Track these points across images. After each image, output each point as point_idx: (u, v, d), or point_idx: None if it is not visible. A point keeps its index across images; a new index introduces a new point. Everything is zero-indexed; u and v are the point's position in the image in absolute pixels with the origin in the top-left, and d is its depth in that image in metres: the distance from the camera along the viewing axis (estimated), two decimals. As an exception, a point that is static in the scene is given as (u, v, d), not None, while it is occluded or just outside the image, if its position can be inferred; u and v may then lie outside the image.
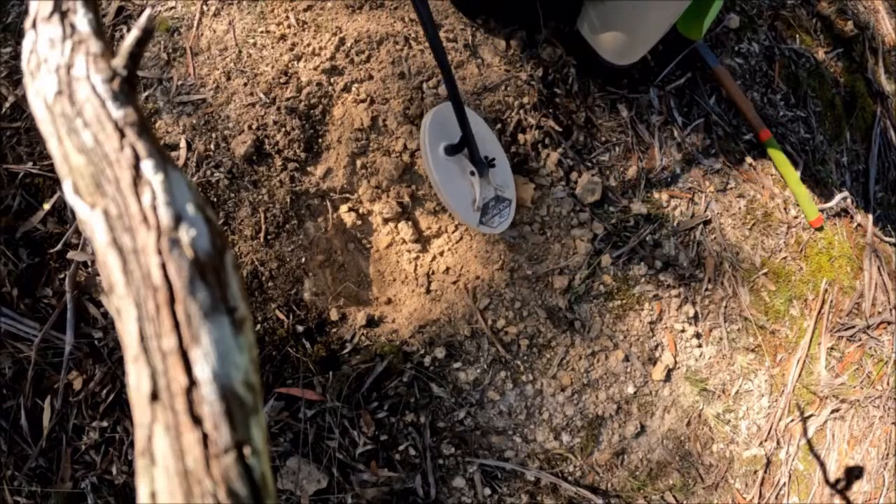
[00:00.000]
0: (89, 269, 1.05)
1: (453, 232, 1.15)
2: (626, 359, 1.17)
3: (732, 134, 1.37)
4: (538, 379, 1.13)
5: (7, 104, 1.09)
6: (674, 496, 1.16)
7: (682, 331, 1.21)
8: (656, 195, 1.27)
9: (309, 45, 1.14)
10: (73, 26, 0.41)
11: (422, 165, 1.12)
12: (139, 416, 0.31)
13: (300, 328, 1.07)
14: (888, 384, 1.31)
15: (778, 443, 1.24)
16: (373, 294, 1.14)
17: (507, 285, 1.14)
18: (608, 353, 1.17)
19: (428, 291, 1.13)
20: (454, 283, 1.13)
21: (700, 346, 1.22)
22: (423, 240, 1.15)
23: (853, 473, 1.25)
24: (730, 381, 1.23)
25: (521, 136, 1.19)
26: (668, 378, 1.19)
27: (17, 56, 1.11)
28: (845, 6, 1.59)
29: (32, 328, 1.01)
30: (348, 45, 1.14)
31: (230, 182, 1.08)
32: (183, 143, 1.08)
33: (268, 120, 1.09)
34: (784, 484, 1.22)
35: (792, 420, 1.25)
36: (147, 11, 0.45)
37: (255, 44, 1.14)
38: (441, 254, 1.14)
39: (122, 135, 0.37)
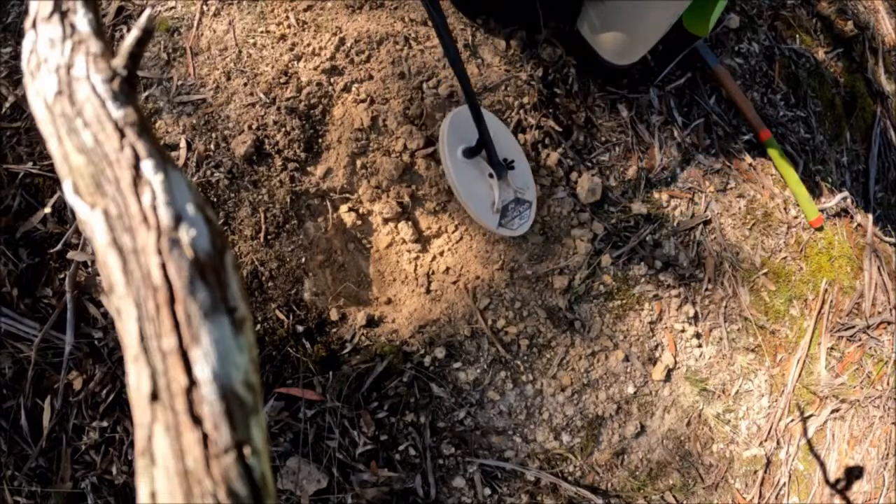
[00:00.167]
0: (89, 269, 1.05)
1: (453, 232, 1.15)
2: (626, 359, 1.17)
3: (732, 134, 1.37)
4: (538, 379, 1.13)
5: (7, 104, 1.09)
6: (674, 496, 1.16)
7: (682, 331, 1.21)
8: (656, 195, 1.27)
9: (309, 45, 1.14)
10: (73, 26, 0.41)
11: (421, 166, 1.12)
12: (139, 416, 0.31)
13: (300, 328, 1.07)
14: (888, 384, 1.31)
15: (778, 443, 1.24)
16: (373, 294, 1.14)
17: (507, 285, 1.14)
18: (608, 353, 1.17)
19: (428, 291, 1.13)
20: (454, 283, 1.13)
21: (700, 346, 1.22)
22: (423, 240, 1.15)
23: (853, 473, 1.25)
24: (730, 381, 1.23)
25: (521, 136, 1.19)
26: (668, 378, 1.19)
27: (17, 56, 1.11)
28: (845, 6, 1.59)
29: (32, 328, 1.01)
30: (348, 45, 1.14)
31: (230, 182, 1.08)
32: (183, 143, 1.08)
33: (268, 120, 1.09)
34: (784, 484, 1.22)
35: (792, 420, 1.25)
36: (147, 11, 0.45)
37: (255, 44, 1.14)
38: (441, 254, 1.14)
39: (122, 135, 0.37)
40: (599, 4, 1.14)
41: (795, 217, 1.35)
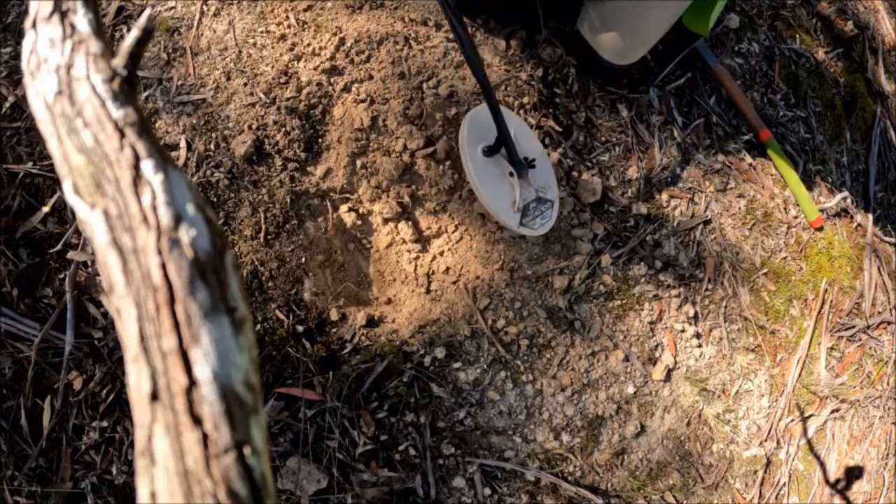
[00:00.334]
0: (89, 269, 1.05)
1: (453, 232, 1.15)
2: (626, 359, 1.17)
3: (732, 134, 1.37)
4: (538, 379, 1.13)
5: (7, 104, 1.09)
6: (674, 496, 1.16)
7: (682, 331, 1.21)
8: (656, 195, 1.27)
9: (309, 45, 1.14)
10: (73, 26, 0.41)
11: (421, 166, 1.12)
12: (139, 416, 0.31)
13: (300, 328, 1.07)
14: (888, 384, 1.31)
15: (778, 443, 1.24)
16: (373, 294, 1.14)
17: (507, 285, 1.14)
18: (608, 353, 1.17)
19: (428, 291, 1.13)
20: (454, 283, 1.13)
21: (700, 346, 1.22)
22: (423, 240, 1.15)
23: (853, 473, 1.25)
24: (730, 381, 1.23)
25: (521, 136, 1.19)
26: (668, 378, 1.19)
27: (17, 56, 1.11)
28: (845, 6, 1.59)
29: (32, 328, 1.01)
30: (348, 45, 1.14)
31: (230, 182, 1.08)
32: (183, 143, 1.08)
33: (268, 120, 1.09)
34: (784, 484, 1.22)
35: (792, 420, 1.25)
36: (147, 11, 0.45)
37: (255, 44, 1.14)
38: (441, 254, 1.14)
39: (122, 135, 0.37)
40: (599, 4, 1.14)
41: (795, 217, 1.35)
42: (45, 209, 1.05)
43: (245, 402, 0.31)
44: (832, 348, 1.30)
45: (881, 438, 1.28)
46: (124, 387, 1.02)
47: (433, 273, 1.14)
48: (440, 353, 1.10)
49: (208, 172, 1.07)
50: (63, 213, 1.06)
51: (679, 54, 1.35)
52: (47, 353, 1.02)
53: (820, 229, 1.35)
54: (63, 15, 0.41)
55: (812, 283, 1.32)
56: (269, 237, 1.08)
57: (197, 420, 0.30)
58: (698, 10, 1.11)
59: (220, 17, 1.16)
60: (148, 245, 0.33)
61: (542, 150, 1.15)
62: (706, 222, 1.28)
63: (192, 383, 0.31)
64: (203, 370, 0.31)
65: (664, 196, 1.27)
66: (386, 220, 1.13)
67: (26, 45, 0.42)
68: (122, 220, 0.35)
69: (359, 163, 1.12)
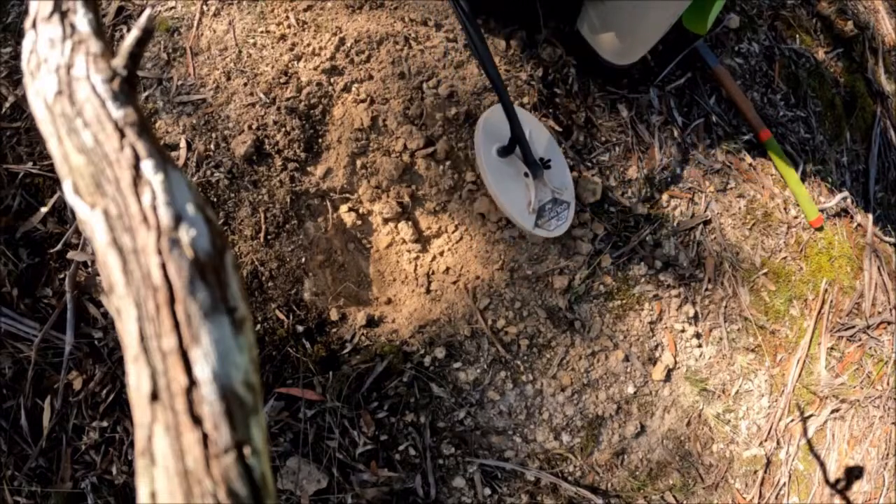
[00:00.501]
0: (89, 269, 1.05)
1: (453, 232, 1.15)
2: (626, 359, 1.17)
3: (732, 134, 1.37)
4: (538, 379, 1.13)
5: (7, 104, 1.09)
6: (674, 496, 1.16)
7: (682, 331, 1.21)
8: (656, 195, 1.27)
9: (309, 45, 1.14)
10: (73, 26, 0.41)
11: (421, 166, 1.12)
12: (139, 416, 0.31)
13: (300, 328, 1.07)
14: (888, 384, 1.31)
15: (778, 443, 1.24)
16: (373, 294, 1.14)
17: (507, 285, 1.14)
18: (608, 353, 1.17)
19: (428, 291, 1.13)
20: (454, 283, 1.13)
21: (700, 346, 1.22)
22: (423, 240, 1.15)
23: (853, 473, 1.25)
24: (730, 381, 1.23)
25: (521, 136, 1.19)
26: (668, 378, 1.19)
27: (17, 56, 1.11)
28: (845, 6, 1.59)
29: (32, 328, 1.01)
30: (348, 45, 1.14)
31: (230, 182, 1.08)
32: (183, 143, 1.08)
33: (268, 120, 1.09)
34: (784, 484, 1.22)
35: (792, 420, 1.25)
36: (147, 11, 0.45)
37: (255, 44, 1.14)
38: (441, 254, 1.14)
39: (122, 135, 0.37)
40: (599, 4, 1.14)
41: (795, 217, 1.35)
42: (46, 209, 1.05)
43: (245, 402, 0.31)
44: (832, 348, 1.30)
45: (881, 438, 1.28)
46: (124, 387, 1.02)
47: (433, 273, 1.14)
48: (440, 353, 1.10)
49: (208, 172, 1.07)
50: (63, 213, 1.06)
51: (679, 54, 1.35)
52: (47, 353, 1.02)
53: (820, 229, 1.35)
54: (63, 15, 0.41)
55: (812, 283, 1.32)
56: (269, 237, 1.08)
57: (197, 420, 0.30)
58: (697, 10, 1.11)
59: (220, 17, 1.16)
60: (148, 245, 0.33)
61: (559, 150, 1.14)
62: (706, 222, 1.28)
63: (192, 383, 0.31)
64: (203, 370, 0.31)
65: (664, 196, 1.27)
66: (386, 220, 1.13)
67: (26, 45, 0.42)
68: (122, 220, 0.35)
69: (359, 163, 1.12)
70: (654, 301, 1.20)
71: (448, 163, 1.14)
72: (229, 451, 0.30)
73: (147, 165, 0.36)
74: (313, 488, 1.03)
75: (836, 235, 1.37)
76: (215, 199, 1.07)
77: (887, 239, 1.44)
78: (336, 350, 1.09)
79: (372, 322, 1.11)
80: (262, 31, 1.15)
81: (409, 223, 1.13)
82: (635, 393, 1.17)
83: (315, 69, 1.12)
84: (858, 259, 1.38)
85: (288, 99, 1.10)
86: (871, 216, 1.44)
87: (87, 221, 0.36)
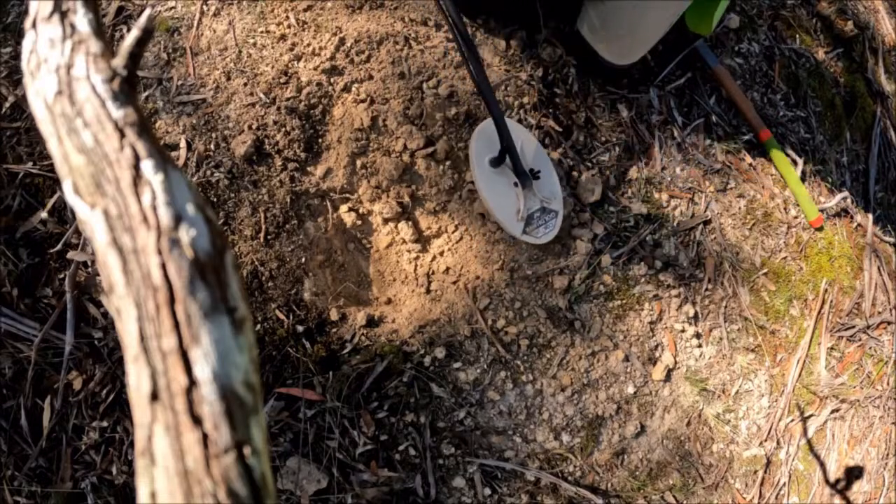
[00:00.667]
0: (89, 269, 1.05)
1: (453, 232, 1.15)
2: (626, 359, 1.17)
3: (732, 134, 1.37)
4: (538, 379, 1.13)
5: (7, 104, 1.09)
6: (674, 496, 1.16)
7: (682, 331, 1.21)
8: (656, 195, 1.27)
9: (309, 45, 1.14)
10: (73, 26, 0.41)
11: (421, 166, 1.12)
12: (139, 416, 0.31)
13: (300, 328, 1.07)
14: (888, 384, 1.31)
15: (778, 443, 1.24)
16: (373, 294, 1.14)
17: (507, 285, 1.14)
18: (608, 353, 1.17)
19: (428, 291, 1.13)
20: (454, 283, 1.13)
21: (700, 346, 1.22)
22: (423, 240, 1.15)
23: (853, 473, 1.25)
24: (730, 381, 1.23)
25: (521, 136, 1.19)
26: (668, 378, 1.19)
27: (17, 56, 1.11)
28: (845, 6, 1.59)
29: (32, 328, 1.01)
30: (348, 45, 1.14)
31: (230, 182, 1.08)
32: (183, 143, 1.08)
33: (268, 120, 1.09)
34: (784, 484, 1.22)
35: (792, 420, 1.25)
36: (147, 11, 0.45)
37: (255, 44, 1.14)
38: (441, 254, 1.14)
39: (122, 135, 0.37)
40: (599, 4, 1.14)
41: (795, 217, 1.35)
42: (45, 209, 1.05)
43: (245, 402, 0.31)
44: (832, 348, 1.30)
45: (881, 438, 1.28)
46: (124, 387, 1.02)
47: (433, 273, 1.14)
48: (440, 353, 1.10)
49: (208, 172, 1.07)
50: (63, 213, 1.06)
51: (679, 54, 1.35)
52: (47, 353, 1.02)
53: (820, 229, 1.35)
54: (63, 15, 0.41)
55: (812, 283, 1.32)
56: (269, 237, 1.08)
57: (197, 420, 0.30)
58: (700, 11, 1.11)
59: (220, 17, 1.16)
60: (148, 245, 0.33)
61: (549, 161, 1.17)
62: (706, 222, 1.28)
63: (192, 383, 0.31)
64: (203, 370, 0.31)
65: (664, 196, 1.27)
66: (386, 220, 1.13)
67: (26, 45, 0.42)
68: (122, 220, 0.35)
69: (359, 163, 1.12)
70: (654, 301, 1.20)
71: (448, 163, 1.14)
72: (229, 451, 0.30)
73: (147, 165, 0.36)
74: (313, 488, 1.03)
75: (836, 235, 1.37)
76: (215, 199, 1.07)
77: (887, 239, 1.44)
78: (336, 350, 1.09)
79: (372, 322, 1.11)
80: (262, 31, 1.15)
81: (409, 223, 1.13)
82: (635, 393, 1.17)
83: (315, 69, 1.12)
84: (858, 259, 1.38)
85: (288, 99, 1.10)
86: (871, 216, 1.44)
87: (87, 221, 0.36)
